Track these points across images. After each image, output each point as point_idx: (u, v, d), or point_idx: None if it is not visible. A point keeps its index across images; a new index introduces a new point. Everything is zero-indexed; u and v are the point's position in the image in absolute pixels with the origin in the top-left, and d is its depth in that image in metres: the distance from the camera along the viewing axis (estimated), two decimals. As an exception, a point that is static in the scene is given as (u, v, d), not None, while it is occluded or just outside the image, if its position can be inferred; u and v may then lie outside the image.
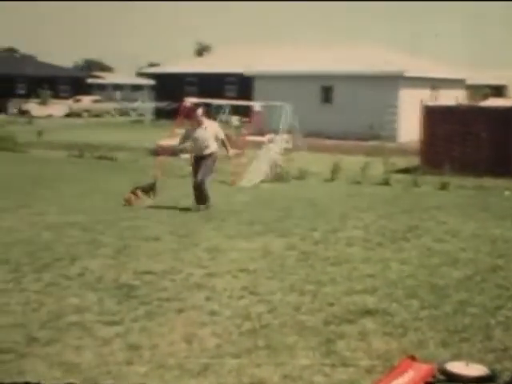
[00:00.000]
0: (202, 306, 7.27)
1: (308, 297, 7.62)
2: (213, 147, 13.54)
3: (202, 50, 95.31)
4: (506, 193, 16.50)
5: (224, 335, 6.40)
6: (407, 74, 35.61)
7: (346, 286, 8.07)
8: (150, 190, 14.33)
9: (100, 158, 23.84)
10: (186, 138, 13.94)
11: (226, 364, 5.70)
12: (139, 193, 14.04)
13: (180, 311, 7.08)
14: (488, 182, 17.71)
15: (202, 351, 6.01)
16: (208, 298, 7.53)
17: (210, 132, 13.55)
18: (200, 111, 13.68)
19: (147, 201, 13.91)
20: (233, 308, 7.20)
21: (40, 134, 29.74)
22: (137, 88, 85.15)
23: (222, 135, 13.73)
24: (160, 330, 6.54)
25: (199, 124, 13.61)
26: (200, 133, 13.50)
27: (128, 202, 13.75)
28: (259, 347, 6.09)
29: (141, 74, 79.21)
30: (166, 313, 7.03)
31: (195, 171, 13.62)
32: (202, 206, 13.31)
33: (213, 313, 7.04)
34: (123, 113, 62.20)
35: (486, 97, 40.98)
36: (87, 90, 69.31)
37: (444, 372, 4.26)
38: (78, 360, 5.81)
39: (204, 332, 6.49)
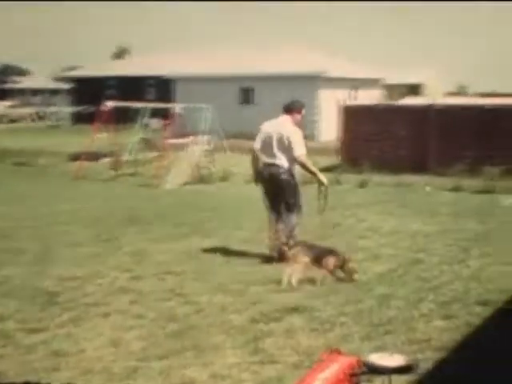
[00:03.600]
0: (128, 309, 7.23)
1: (235, 296, 7.65)
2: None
3: (120, 54, 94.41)
4: (427, 188, 16.88)
5: (150, 338, 6.37)
6: (326, 75, 36.08)
7: (271, 284, 8.11)
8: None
9: (19, 164, 23.34)
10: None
11: (153, 366, 5.68)
12: None
13: (106, 315, 7.02)
14: (406, 178, 18.05)
15: (129, 354, 5.97)
16: (134, 302, 7.48)
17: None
18: None
19: None
20: (158, 310, 7.17)
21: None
22: (56, 92, 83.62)
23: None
24: (86, 335, 6.46)
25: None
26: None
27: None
28: (186, 348, 6.08)
29: (59, 79, 77.81)
30: (92, 318, 6.95)
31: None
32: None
33: (139, 316, 6.99)
34: (41, 118, 61.03)
35: (402, 96, 41.93)
36: (3, 95, 67.85)
37: (366, 363, 4.38)
38: (3, 368, 5.69)
39: (130, 335, 6.45)
